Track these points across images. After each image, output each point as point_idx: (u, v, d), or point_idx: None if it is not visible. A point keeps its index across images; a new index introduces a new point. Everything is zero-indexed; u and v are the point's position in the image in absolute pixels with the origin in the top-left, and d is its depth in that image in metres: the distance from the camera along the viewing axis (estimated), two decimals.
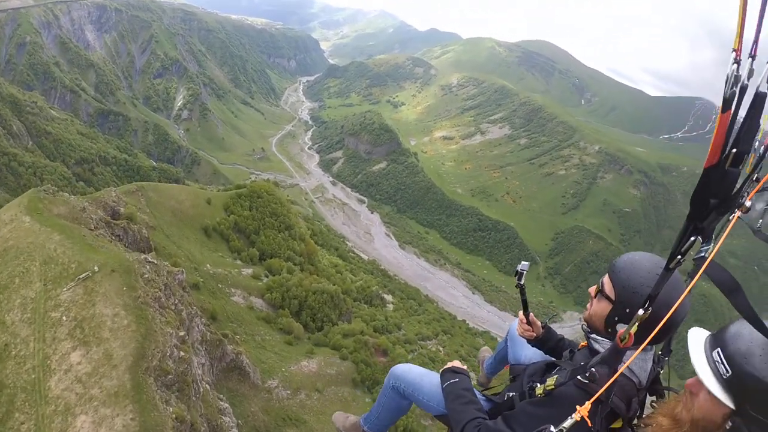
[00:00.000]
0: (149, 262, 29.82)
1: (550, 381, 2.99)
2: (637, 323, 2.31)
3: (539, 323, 4.03)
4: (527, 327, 4.03)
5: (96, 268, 28.20)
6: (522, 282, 3.71)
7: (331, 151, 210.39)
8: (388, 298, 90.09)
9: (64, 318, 26.01)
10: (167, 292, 30.34)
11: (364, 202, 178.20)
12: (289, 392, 40.83)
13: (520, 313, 4.03)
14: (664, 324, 2.22)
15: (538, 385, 3.09)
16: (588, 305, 3.27)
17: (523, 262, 3.71)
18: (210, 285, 48.73)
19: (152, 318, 26.51)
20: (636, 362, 2.95)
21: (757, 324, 1.95)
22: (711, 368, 2.02)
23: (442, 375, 3.88)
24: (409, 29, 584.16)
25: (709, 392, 2.04)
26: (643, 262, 2.92)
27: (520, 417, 3.02)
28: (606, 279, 3.05)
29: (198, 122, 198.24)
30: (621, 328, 2.65)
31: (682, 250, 2.09)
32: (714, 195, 1.96)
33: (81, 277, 27.85)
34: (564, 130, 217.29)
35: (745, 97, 1.76)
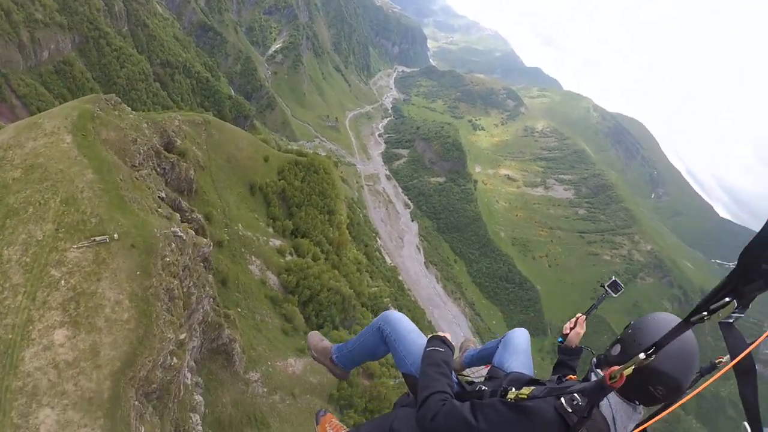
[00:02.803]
0: (177, 236, 27.21)
1: (525, 390, 2.91)
2: (633, 366, 2.17)
3: (581, 335, 4.14)
4: (573, 326, 4.14)
5: (116, 235, 25.02)
6: (610, 292, 3.91)
7: (399, 146, 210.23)
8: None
9: (62, 282, 22.83)
10: (185, 273, 28.27)
11: (409, 208, 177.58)
12: (265, 390, 40.21)
13: (579, 314, 4.15)
14: (657, 378, 2.22)
15: (513, 389, 2.98)
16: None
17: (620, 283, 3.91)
18: (234, 246, 48.76)
19: (156, 317, 23.90)
20: (621, 415, 2.89)
21: (752, 419, 1.83)
22: None
23: (429, 339, 3.84)
24: (516, 60, 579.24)
25: None
26: (662, 318, 2.92)
27: (488, 411, 2.96)
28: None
29: (288, 70, 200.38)
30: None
31: (711, 307, 1.86)
32: (767, 260, 1.70)
33: (97, 239, 24.62)
34: (625, 216, 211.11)
35: None
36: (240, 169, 60.10)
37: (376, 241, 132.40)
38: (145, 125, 40.21)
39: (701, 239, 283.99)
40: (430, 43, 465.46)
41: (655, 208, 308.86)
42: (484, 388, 3.57)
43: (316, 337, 5.12)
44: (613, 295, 3.95)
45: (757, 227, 1.72)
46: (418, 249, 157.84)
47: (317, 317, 55.34)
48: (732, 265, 1.73)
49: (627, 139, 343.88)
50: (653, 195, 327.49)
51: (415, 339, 4.05)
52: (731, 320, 1.96)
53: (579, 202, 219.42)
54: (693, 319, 1.95)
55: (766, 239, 1.65)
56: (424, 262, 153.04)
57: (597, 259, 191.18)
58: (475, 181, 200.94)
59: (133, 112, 41.05)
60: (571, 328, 4.18)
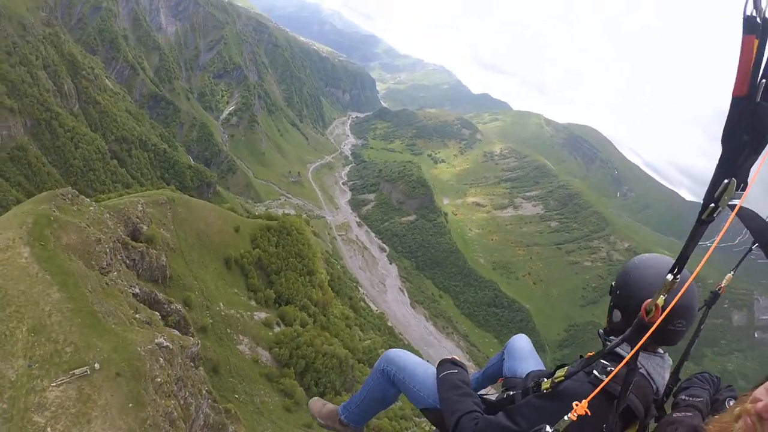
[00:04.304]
0: (163, 347, 25.19)
1: (560, 372, 2.78)
2: (665, 292, 2.06)
3: None
4: None
5: (96, 365, 22.51)
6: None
7: (364, 191, 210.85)
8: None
9: (49, 430, 20.05)
10: (179, 385, 26.14)
11: (385, 251, 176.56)
12: None
13: None
14: (674, 312, 2.09)
15: (545, 379, 2.86)
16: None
17: None
18: (219, 329, 46.90)
19: None
20: (654, 368, 2.84)
21: None
22: None
23: (439, 365, 3.66)
24: (463, 89, 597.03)
25: None
26: (653, 255, 2.95)
27: (524, 410, 2.80)
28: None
29: (244, 131, 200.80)
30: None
31: (715, 195, 1.85)
32: (745, 130, 1.77)
33: (77, 372, 22.04)
34: (597, 220, 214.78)
35: None
36: (212, 245, 58.53)
37: (359, 291, 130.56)
38: (108, 216, 38.56)
39: (673, 225, 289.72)
40: (379, 86, 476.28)
41: (623, 205, 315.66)
42: (512, 393, 3.23)
43: (318, 403, 4.87)
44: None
45: None
46: (402, 291, 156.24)
47: (317, 386, 53.12)
48: (708, 243, 1.96)
49: (583, 146, 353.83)
50: (618, 194, 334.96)
51: (426, 370, 3.84)
52: (737, 201, 1.97)
53: (549, 216, 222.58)
54: (704, 216, 1.93)
55: (736, 116, 1.75)
56: (410, 303, 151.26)
57: (578, 266, 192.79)
58: (446, 214, 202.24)
59: (93, 203, 39.03)
60: None
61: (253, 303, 57.42)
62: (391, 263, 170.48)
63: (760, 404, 1.66)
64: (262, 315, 55.87)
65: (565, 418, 2.30)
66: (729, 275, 2.22)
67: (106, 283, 27.84)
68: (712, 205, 1.89)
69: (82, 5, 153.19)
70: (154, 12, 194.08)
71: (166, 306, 35.67)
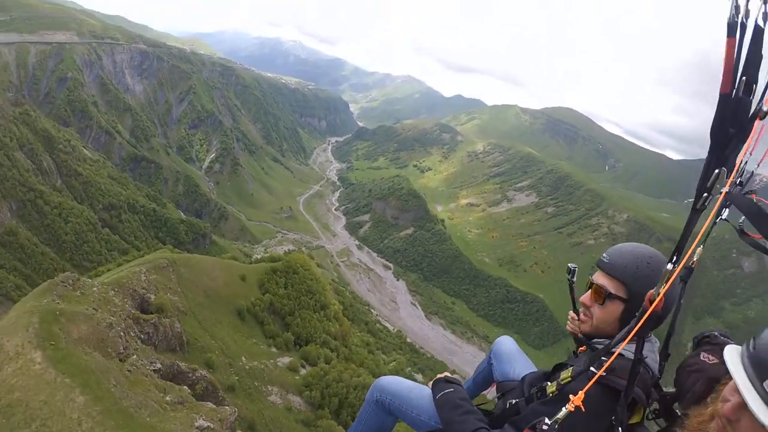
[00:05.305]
0: (204, 428, 23.60)
1: (565, 374, 2.74)
2: (668, 280, 2.09)
3: None
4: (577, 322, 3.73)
5: None
6: (574, 279, 3.60)
7: (358, 213, 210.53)
8: (419, 377, 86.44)
9: None
10: None
11: (390, 269, 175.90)
12: None
13: (570, 311, 3.79)
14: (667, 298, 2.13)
15: (549, 383, 2.87)
16: (584, 317, 3.16)
17: (572, 264, 3.70)
18: (246, 384, 45.98)
19: None
20: (647, 353, 2.81)
21: None
22: (763, 400, 1.63)
23: (433, 386, 3.60)
24: (435, 94, 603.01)
25: (757, 422, 1.62)
26: (633, 246, 3.04)
27: (532, 418, 2.68)
28: (603, 281, 2.99)
29: (228, 176, 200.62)
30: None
31: (707, 185, 2.04)
32: (731, 123, 1.97)
33: None
34: (591, 198, 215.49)
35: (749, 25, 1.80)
36: (221, 300, 57.70)
37: (372, 314, 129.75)
38: (113, 293, 37.04)
39: (666, 187, 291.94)
40: (352, 107, 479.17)
41: (614, 178, 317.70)
42: (515, 401, 3.24)
43: None
44: (573, 280, 3.60)
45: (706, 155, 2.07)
46: (414, 305, 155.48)
47: (353, 420, 52.16)
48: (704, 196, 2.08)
49: (562, 127, 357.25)
50: (607, 167, 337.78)
51: (421, 393, 3.75)
52: (729, 189, 2.08)
53: (545, 203, 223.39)
54: (699, 204, 2.09)
55: (723, 111, 1.95)
56: (425, 315, 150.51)
57: (582, 247, 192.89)
58: (442, 220, 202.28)
59: (96, 283, 37.65)
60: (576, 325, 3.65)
61: (273, 350, 56.54)
62: (398, 279, 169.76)
63: (727, 406, 1.69)
64: (285, 360, 55.00)
65: (564, 410, 2.27)
66: (699, 249, 2.26)
67: (129, 370, 26.13)
68: (705, 194, 2.06)
69: (47, 79, 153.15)
70: (119, 74, 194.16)
71: (190, 375, 34.69)
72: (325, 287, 75.98)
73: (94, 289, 34.66)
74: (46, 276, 78.36)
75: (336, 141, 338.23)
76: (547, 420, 2.33)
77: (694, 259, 2.35)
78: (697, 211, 2.12)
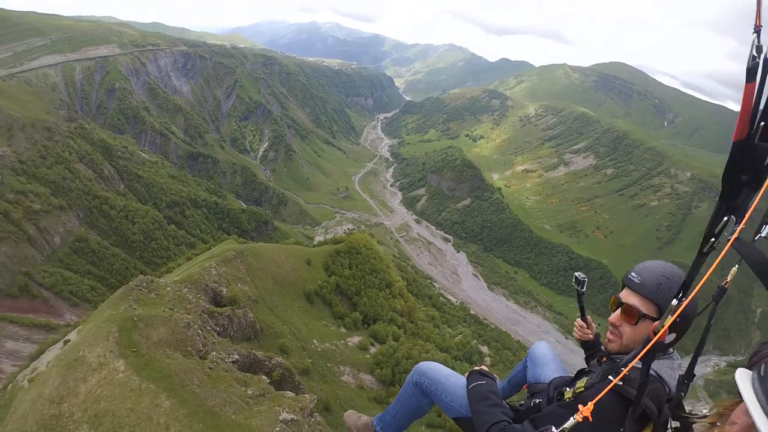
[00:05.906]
0: (288, 422, 23.98)
1: (580, 384, 2.97)
2: (673, 315, 2.23)
3: (594, 326, 4.16)
4: (586, 330, 4.15)
5: None
6: (583, 290, 3.88)
7: (413, 188, 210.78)
8: (485, 350, 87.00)
9: None
10: None
11: (450, 241, 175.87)
12: None
13: (578, 319, 4.18)
14: (682, 315, 2.22)
15: (567, 389, 3.06)
16: (611, 336, 3.26)
17: (580, 273, 3.90)
18: (319, 366, 47.72)
19: None
20: (664, 370, 2.96)
21: None
22: None
23: (468, 376, 3.89)
24: (480, 60, 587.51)
25: None
26: (663, 265, 3.07)
27: (548, 419, 2.91)
28: (635, 300, 3.06)
29: (283, 163, 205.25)
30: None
31: (716, 231, 2.05)
32: (744, 171, 1.94)
33: None
34: (652, 156, 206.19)
35: None
36: (289, 285, 59.62)
37: (435, 287, 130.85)
38: (186, 290, 38.76)
39: (729, 141, 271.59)
40: (397, 82, 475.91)
41: (674, 134, 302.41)
42: (538, 401, 3.57)
43: (354, 416, 5.18)
44: (583, 290, 3.94)
45: None
46: (476, 276, 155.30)
47: None
48: None
49: (615, 83, 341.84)
50: (666, 123, 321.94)
51: (457, 381, 4.08)
52: (736, 235, 2.05)
53: (603, 164, 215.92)
54: (705, 248, 2.14)
55: (736, 158, 1.95)
56: (487, 286, 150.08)
57: (645, 209, 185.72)
58: (499, 189, 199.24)
59: (169, 282, 38.29)
60: (585, 333, 4.21)
61: (343, 330, 58.51)
62: (458, 252, 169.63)
63: (735, 428, 1.69)
64: (355, 339, 56.81)
65: (571, 419, 2.38)
66: (734, 269, 2.25)
67: (209, 368, 26.86)
68: (713, 239, 2.10)
69: (96, 93, 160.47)
70: (166, 78, 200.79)
71: (266, 363, 35.56)
72: (389, 265, 77.36)
73: (168, 289, 36.11)
74: (119, 275, 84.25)
75: (384, 117, 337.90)
76: (554, 429, 2.47)
77: (728, 278, 2.38)
78: (703, 255, 2.17)
